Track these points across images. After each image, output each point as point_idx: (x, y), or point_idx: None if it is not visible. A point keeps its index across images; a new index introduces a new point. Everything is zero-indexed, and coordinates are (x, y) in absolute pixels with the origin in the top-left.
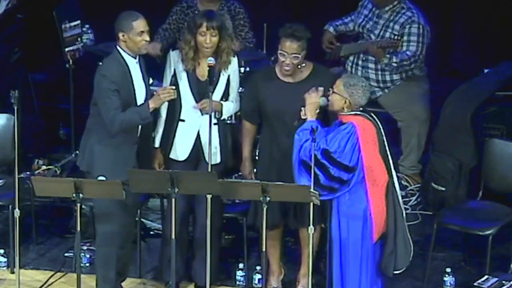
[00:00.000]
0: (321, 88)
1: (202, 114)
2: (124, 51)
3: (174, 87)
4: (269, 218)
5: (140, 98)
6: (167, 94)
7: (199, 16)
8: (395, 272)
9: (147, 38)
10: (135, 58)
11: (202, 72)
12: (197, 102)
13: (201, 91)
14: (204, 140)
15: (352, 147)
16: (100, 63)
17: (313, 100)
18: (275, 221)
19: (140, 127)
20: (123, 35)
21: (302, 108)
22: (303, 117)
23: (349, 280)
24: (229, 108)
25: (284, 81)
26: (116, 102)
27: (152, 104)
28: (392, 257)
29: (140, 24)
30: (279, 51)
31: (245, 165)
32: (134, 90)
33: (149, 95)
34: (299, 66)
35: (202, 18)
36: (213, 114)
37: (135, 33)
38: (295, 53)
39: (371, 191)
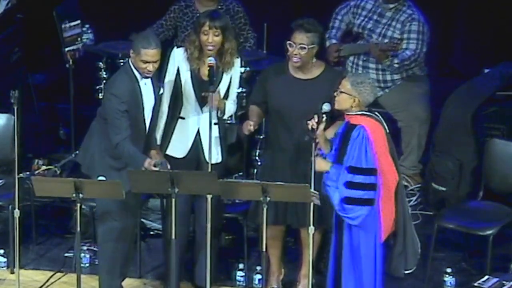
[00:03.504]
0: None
1: (202, 111)
2: (134, 68)
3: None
4: (270, 214)
5: (148, 112)
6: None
7: (203, 16)
8: (406, 272)
9: (151, 69)
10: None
11: (205, 71)
12: (198, 101)
13: (203, 90)
14: (204, 139)
15: (370, 149)
16: (101, 63)
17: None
18: (276, 218)
19: (146, 131)
20: (132, 54)
21: (309, 122)
22: (310, 128)
23: (364, 284)
24: (230, 108)
25: (294, 77)
26: (124, 124)
27: (147, 165)
28: (402, 257)
29: (147, 54)
30: (288, 42)
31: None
32: (142, 105)
33: (158, 107)
34: (313, 60)
35: (206, 17)
36: (214, 112)
37: (140, 59)
38: (302, 44)
39: (382, 192)
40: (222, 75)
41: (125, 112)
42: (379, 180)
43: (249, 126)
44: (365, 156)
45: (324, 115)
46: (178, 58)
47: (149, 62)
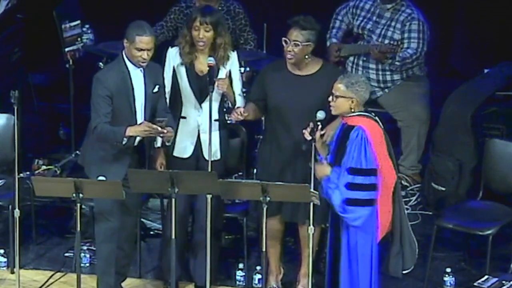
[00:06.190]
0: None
1: (201, 108)
2: (127, 58)
3: (161, 129)
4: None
5: (139, 106)
6: (148, 131)
7: (195, 11)
8: (403, 272)
9: (145, 56)
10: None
11: (201, 67)
12: (196, 97)
13: (201, 86)
14: (204, 137)
15: (370, 150)
16: (100, 63)
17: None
18: (270, 210)
19: (136, 122)
20: (126, 43)
21: (305, 131)
22: (307, 138)
23: (360, 283)
24: (239, 101)
25: (292, 73)
26: (104, 109)
27: (129, 132)
28: (400, 257)
29: (142, 41)
30: (283, 38)
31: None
32: (133, 97)
33: (150, 103)
34: (306, 57)
35: (197, 12)
36: (216, 107)
37: (135, 47)
38: (296, 41)
39: (380, 192)
40: (218, 70)
41: (107, 98)
42: (379, 180)
43: (238, 114)
44: (365, 156)
45: (319, 123)
46: (173, 57)
47: (143, 50)
